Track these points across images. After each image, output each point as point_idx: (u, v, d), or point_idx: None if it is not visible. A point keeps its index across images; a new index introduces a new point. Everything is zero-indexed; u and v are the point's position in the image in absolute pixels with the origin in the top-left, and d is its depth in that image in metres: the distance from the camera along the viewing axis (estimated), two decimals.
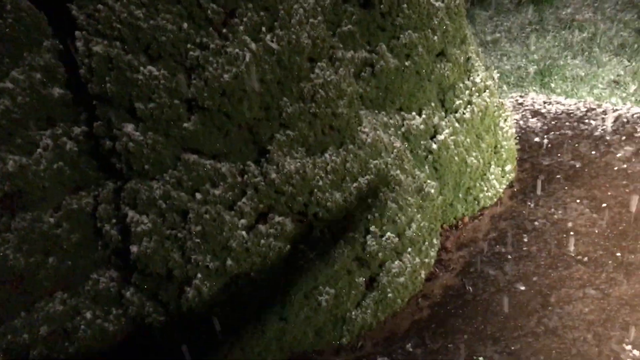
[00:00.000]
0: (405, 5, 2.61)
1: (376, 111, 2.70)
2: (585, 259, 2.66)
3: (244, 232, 2.20)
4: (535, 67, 4.94)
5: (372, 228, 2.45)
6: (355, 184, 2.39)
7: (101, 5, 2.00)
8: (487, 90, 2.99)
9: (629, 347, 2.19)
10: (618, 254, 2.64)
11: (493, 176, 3.08)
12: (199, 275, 2.18)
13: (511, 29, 5.77)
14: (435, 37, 2.71)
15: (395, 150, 2.60)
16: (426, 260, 2.70)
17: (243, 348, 2.27)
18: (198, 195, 2.18)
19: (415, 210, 2.62)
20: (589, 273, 2.59)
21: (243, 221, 2.20)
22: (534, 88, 4.60)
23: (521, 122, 3.78)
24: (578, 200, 3.00)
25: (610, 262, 2.61)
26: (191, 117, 2.15)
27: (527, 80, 4.79)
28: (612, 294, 2.46)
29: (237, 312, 2.28)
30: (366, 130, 2.48)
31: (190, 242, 2.15)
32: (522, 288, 2.60)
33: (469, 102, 2.91)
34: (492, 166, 3.08)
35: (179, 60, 2.10)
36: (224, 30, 2.11)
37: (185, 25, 2.06)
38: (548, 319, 2.41)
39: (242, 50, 2.10)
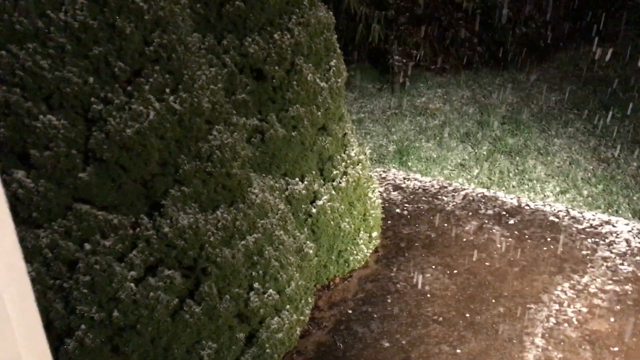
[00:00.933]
0: (294, 82, 2.88)
1: (263, 174, 2.89)
2: (440, 318, 2.99)
3: (132, 284, 2.22)
4: (395, 146, 5.49)
5: (256, 285, 2.57)
6: (243, 242, 2.53)
7: (4, 51, 2.02)
8: (360, 164, 3.33)
9: None
10: (467, 315, 3.01)
11: (362, 241, 3.37)
12: (83, 326, 2.14)
13: (374, 111, 6.37)
14: (319, 113, 3.01)
15: (279, 212, 2.79)
16: (302, 317, 2.86)
17: None
18: (87, 246, 2.18)
19: (295, 269, 2.80)
20: (444, 331, 2.92)
21: (133, 273, 2.23)
22: (394, 165, 5.10)
23: (384, 195, 4.17)
24: (433, 266, 3.38)
25: (461, 321, 2.96)
26: (87, 168, 2.18)
27: (387, 158, 5.30)
28: (463, 350, 2.79)
29: None
30: (255, 191, 2.65)
31: (76, 292, 2.13)
32: (387, 344, 2.85)
33: (345, 173, 3.21)
34: (361, 232, 3.38)
35: (80, 112, 2.14)
36: (129, 88, 2.20)
37: (91, 79, 2.12)
38: None
39: (147, 108, 2.20)
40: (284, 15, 2.88)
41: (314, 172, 3.09)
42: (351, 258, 3.30)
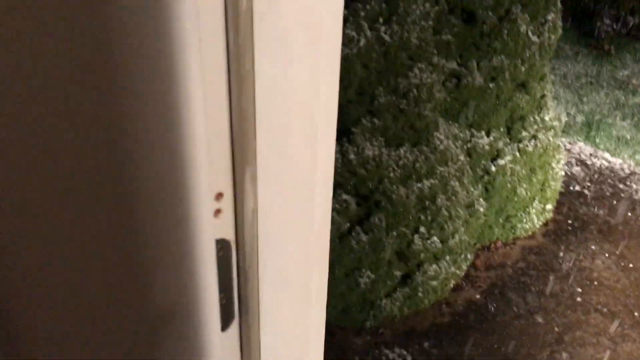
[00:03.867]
0: (505, 31, 2.72)
1: (450, 121, 2.82)
2: (605, 309, 2.80)
3: None
4: (584, 118, 5.07)
5: (422, 229, 2.58)
6: (419, 184, 2.52)
7: None
8: (552, 130, 3.11)
9: None
10: (636, 313, 2.78)
11: (534, 210, 3.21)
12: None
13: (567, 76, 5.88)
14: (523, 68, 2.83)
15: (459, 162, 2.73)
16: (458, 271, 2.84)
17: None
18: None
19: (462, 223, 2.75)
20: (606, 323, 2.73)
21: None
22: (580, 138, 4.72)
23: (566, 168, 3.90)
24: (607, 255, 3.14)
25: (627, 318, 2.75)
26: None
27: (574, 129, 4.91)
28: (624, 349, 2.60)
29: None
30: (440, 137, 2.60)
31: None
32: (540, 320, 2.74)
33: (534, 137, 3.03)
34: (536, 201, 3.21)
35: None
36: (345, 12, 2.22)
37: None
38: (559, 355, 2.55)
39: (358, 35, 2.22)
40: None
41: (501, 129, 2.96)
42: (519, 225, 3.17)
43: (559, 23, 2.94)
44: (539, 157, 3.10)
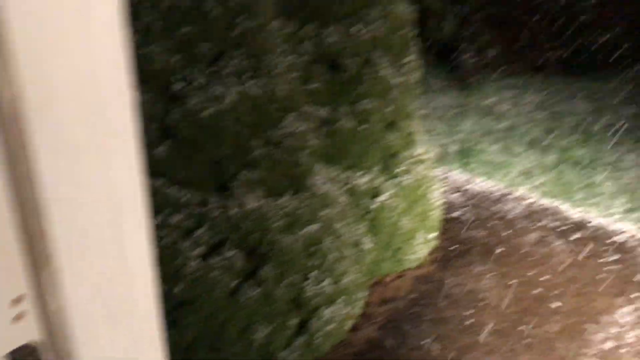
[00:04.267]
0: (368, 76, 2.87)
1: (328, 165, 2.90)
2: (494, 329, 2.94)
3: (196, 262, 2.28)
4: (458, 147, 5.40)
5: (312, 274, 2.60)
6: (304, 230, 2.55)
7: None
8: (424, 163, 3.29)
9: None
10: (521, 328, 2.95)
11: (419, 241, 3.34)
12: None
13: (438, 108, 6.27)
14: (390, 109, 2.99)
15: (341, 204, 2.80)
16: (354, 310, 2.87)
17: None
18: (156, 219, 2.25)
19: (351, 262, 2.81)
20: (496, 342, 2.87)
21: (197, 250, 2.28)
22: (455, 166, 5.02)
23: (445, 196, 4.11)
24: (490, 275, 3.32)
25: (514, 334, 2.91)
26: (163, 143, 2.24)
27: (448, 158, 5.22)
28: None
29: (171, 335, 2.32)
30: (319, 181, 2.66)
31: None
32: (436, 348, 2.83)
33: (408, 171, 3.18)
34: (420, 232, 3.35)
35: (161, 89, 2.20)
36: (211, 70, 2.25)
37: (175, 58, 2.17)
38: None
39: (226, 90, 2.24)
40: (364, 8, 2.86)
41: (377, 167, 3.08)
42: (406, 257, 3.28)
43: (418, 64, 3.15)
44: (416, 190, 3.26)
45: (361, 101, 2.90)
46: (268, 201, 2.42)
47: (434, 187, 3.48)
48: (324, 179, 2.77)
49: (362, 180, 3.01)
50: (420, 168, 3.29)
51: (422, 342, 2.86)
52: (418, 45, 3.21)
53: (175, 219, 2.26)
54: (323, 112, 2.88)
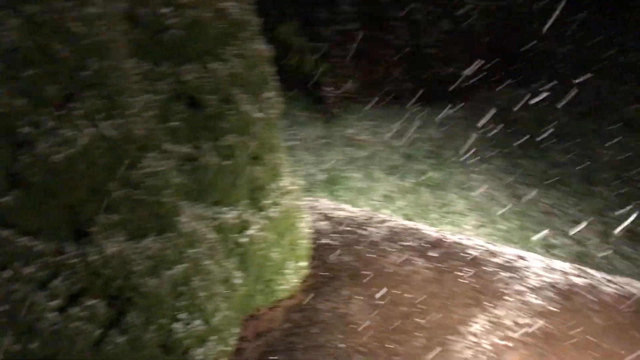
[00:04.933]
0: (229, 112, 2.91)
1: (194, 203, 2.88)
2: (364, 349, 3.06)
3: (53, 314, 2.14)
4: (325, 175, 5.60)
5: (182, 315, 2.55)
6: (170, 271, 2.50)
7: None
8: (291, 194, 3.37)
9: None
10: (389, 346, 3.09)
11: (290, 271, 3.40)
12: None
13: (305, 140, 6.46)
14: (253, 143, 3.04)
15: (208, 241, 2.78)
16: (227, 348, 2.84)
17: None
18: (6, 273, 2.10)
19: (222, 299, 2.79)
20: None
21: (55, 302, 2.15)
22: (323, 194, 5.19)
23: (313, 224, 4.23)
24: (358, 297, 3.45)
25: (383, 352, 3.04)
26: (11, 191, 2.11)
27: (317, 187, 5.39)
28: None
29: None
30: (185, 220, 2.63)
31: None
32: None
33: (276, 203, 3.25)
34: (290, 262, 3.41)
35: (7, 134, 2.08)
36: (61, 112, 2.16)
37: (21, 101, 2.07)
38: None
39: (78, 133, 2.17)
40: (222, 46, 2.92)
41: (245, 201, 3.11)
42: (278, 288, 3.32)
43: (278, 99, 3.24)
44: (285, 221, 3.32)
45: (224, 137, 2.93)
46: (130, 244, 2.35)
47: (302, 216, 3.57)
48: (190, 217, 2.74)
49: (230, 215, 3.02)
50: (287, 199, 3.36)
51: None
52: (279, 80, 3.31)
53: (28, 270, 2.12)
54: (185, 149, 2.86)
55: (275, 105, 3.19)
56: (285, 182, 3.35)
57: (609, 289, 3.72)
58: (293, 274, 3.43)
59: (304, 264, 3.56)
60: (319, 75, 6.99)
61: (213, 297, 2.71)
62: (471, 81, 7.67)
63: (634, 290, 3.72)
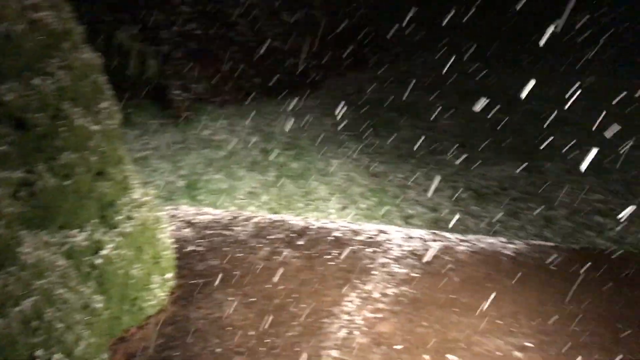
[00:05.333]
0: (62, 129, 2.72)
1: (36, 230, 2.66)
2: (242, 349, 3.04)
3: None
4: (184, 181, 5.46)
5: (39, 352, 2.35)
6: (18, 307, 2.30)
7: None
8: (145, 206, 3.24)
9: None
10: (267, 340, 3.09)
11: (155, 285, 3.27)
12: None
13: (159, 147, 6.25)
14: (94, 158, 2.87)
15: (59, 268, 2.59)
16: None
17: None
18: None
19: (83, 327, 2.62)
20: None
21: None
22: (184, 201, 5.06)
23: (176, 233, 4.11)
24: (231, 298, 3.42)
25: (262, 348, 3.04)
26: None
27: (177, 194, 5.24)
28: None
29: None
30: (28, 250, 2.43)
31: None
32: None
33: (129, 217, 3.10)
34: (154, 276, 3.29)
35: None
36: None
37: None
38: None
39: None
40: (44, 59, 2.72)
41: (95, 221, 2.93)
42: (146, 305, 3.18)
43: (115, 108, 3.09)
44: (142, 234, 3.18)
45: (60, 155, 2.74)
46: None
47: (162, 227, 3.44)
48: (33, 246, 2.53)
49: (80, 237, 2.83)
50: (142, 211, 3.23)
51: None
52: (123, 89, 3.16)
53: None
54: (18, 174, 2.63)
55: (113, 115, 3.04)
56: (137, 194, 3.21)
57: (463, 247, 4.03)
58: (159, 288, 3.31)
59: (170, 275, 3.44)
60: (164, 79, 6.78)
61: (72, 326, 2.53)
62: (319, 70, 7.90)
63: (483, 245, 4.07)
